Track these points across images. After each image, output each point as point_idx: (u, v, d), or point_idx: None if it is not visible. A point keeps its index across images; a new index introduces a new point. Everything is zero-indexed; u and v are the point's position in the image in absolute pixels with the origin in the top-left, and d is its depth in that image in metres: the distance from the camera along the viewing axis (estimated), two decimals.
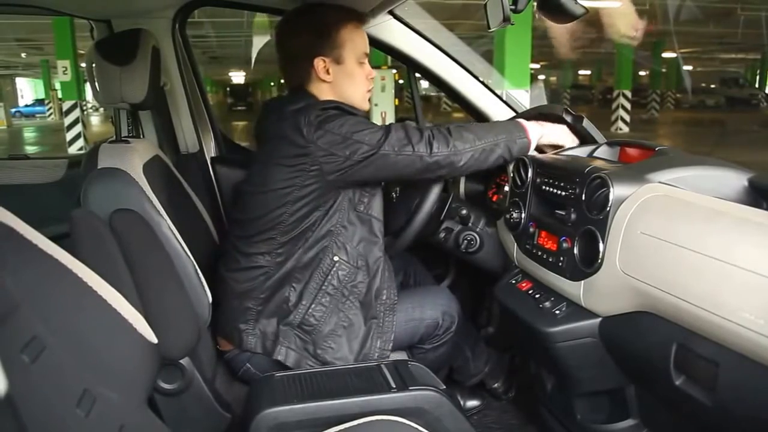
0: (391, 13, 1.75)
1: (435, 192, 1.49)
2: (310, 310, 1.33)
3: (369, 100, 1.46)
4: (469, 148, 1.33)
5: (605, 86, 22.40)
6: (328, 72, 1.37)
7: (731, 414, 0.86)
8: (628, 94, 14.63)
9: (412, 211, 1.51)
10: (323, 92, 1.39)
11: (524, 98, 7.07)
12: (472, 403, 1.72)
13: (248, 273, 1.36)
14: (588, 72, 29.78)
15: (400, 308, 1.43)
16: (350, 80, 1.40)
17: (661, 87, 20.09)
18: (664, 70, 20.54)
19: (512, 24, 1.16)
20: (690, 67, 25.01)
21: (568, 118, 1.46)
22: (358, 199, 1.38)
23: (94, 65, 1.37)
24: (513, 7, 1.14)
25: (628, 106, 14.60)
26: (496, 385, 1.75)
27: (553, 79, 28.30)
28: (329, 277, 1.34)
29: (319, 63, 1.36)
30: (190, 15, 1.91)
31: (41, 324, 0.73)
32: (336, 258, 1.35)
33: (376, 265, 1.40)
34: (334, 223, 1.35)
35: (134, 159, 1.28)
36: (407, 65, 1.87)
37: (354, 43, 1.38)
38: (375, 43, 1.81)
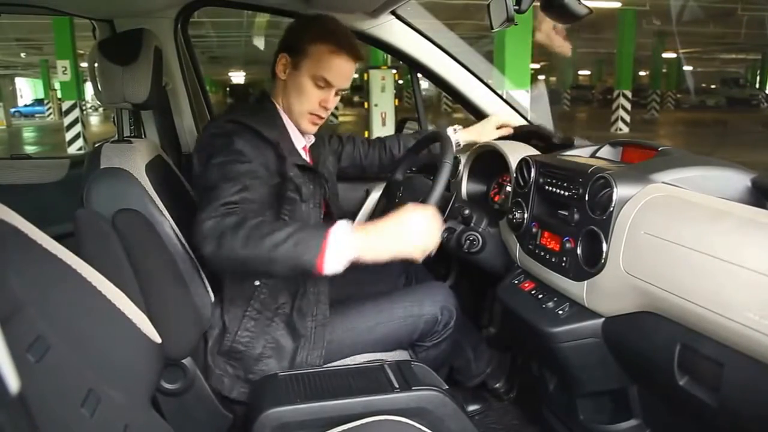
0: (393, 13, 1.75)
1: (438, 192, 1.49)
2: (237, 337, 1.30)
3: (315, 123, 1.39)
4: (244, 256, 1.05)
5: (605, 86, 22.38)
6: (284, 71, 1.38)
7: (736, 414, 0.86)
8: (629, 94, 14.61)
9: None
10: (277, 90, 1.41)
11: (524, 98, 7.05)
12: (473, 404, 1.72)
13: None
14: (588, 72, 29.76)
15: (399, 305, 1.42)
16: (297, 92, 1.36)
17: (661, 87, 20.08)
18: (664, 70, 20.53)
19: (515, 24, 1.16)
20: (690, 68, 25.01)
21: (557, 141, 1.46)
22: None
23: (96, 65, 1.38)
24: (516, 7, 1.14)
25: (629, 106, 14.59)
26: (497, 385, 1.75)
27: (553, 79, 28.28)
28: (252, 301, 1.31)
29: (282, 57, 1.38)
30: (192, 15, 1.92)
31: (46, 324, 0.73)
32: (256, 282, 1.32)
33: (296, 285, 1.34)
34: None
35: (137, 159, 1.28)
36: (409, 65, 1.87)
37: (317, 62, 1.33)
38: (377, 43, 1.82)
